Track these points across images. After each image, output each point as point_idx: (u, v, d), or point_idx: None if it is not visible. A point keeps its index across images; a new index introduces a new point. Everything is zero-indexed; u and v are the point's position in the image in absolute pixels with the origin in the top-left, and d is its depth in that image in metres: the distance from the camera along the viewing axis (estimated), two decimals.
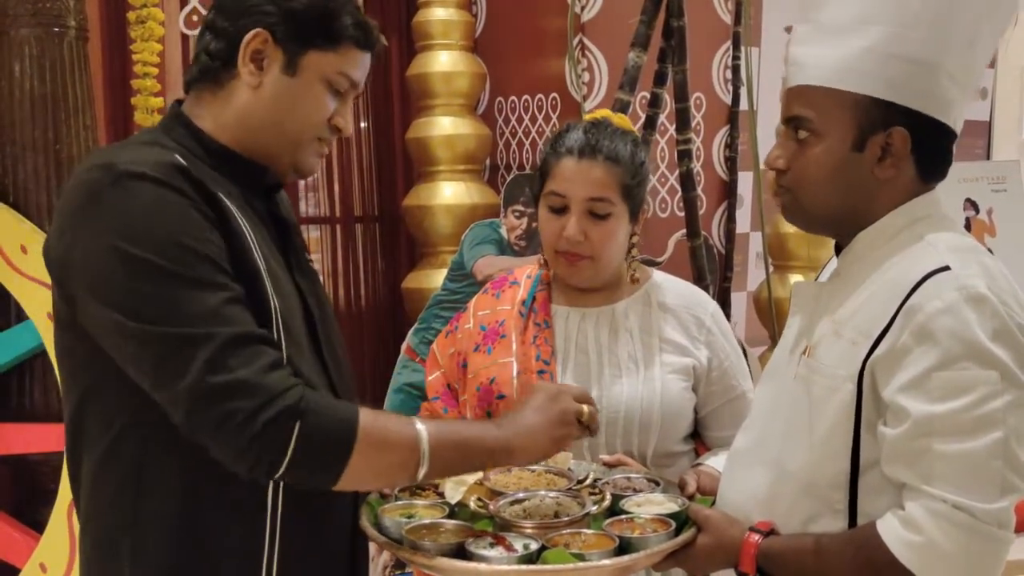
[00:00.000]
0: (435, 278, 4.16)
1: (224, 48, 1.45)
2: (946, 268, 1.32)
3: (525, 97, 4.29)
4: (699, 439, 1.89)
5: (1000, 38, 1.44)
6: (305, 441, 1.26)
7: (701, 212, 3.58)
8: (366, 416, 1.31)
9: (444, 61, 4.35)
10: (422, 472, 1.34)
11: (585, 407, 1.49)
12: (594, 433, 1.53)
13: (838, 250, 1.50)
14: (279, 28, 1.44)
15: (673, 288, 1.90)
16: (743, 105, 3.86)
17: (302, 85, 1.46)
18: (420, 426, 1.35)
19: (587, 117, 1.86)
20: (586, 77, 3.93)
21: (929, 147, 1.40)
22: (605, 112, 1.87)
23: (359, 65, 1.51)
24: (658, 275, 1.92)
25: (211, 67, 1.46)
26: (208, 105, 1.47)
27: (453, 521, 1.51)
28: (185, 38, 3.92)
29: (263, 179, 1.51)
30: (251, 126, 1.46)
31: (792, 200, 1.46)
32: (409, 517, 1.50)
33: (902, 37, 1.35)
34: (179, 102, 1.51)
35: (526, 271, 1.97)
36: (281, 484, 1.40)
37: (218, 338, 1.25)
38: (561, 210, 1.78)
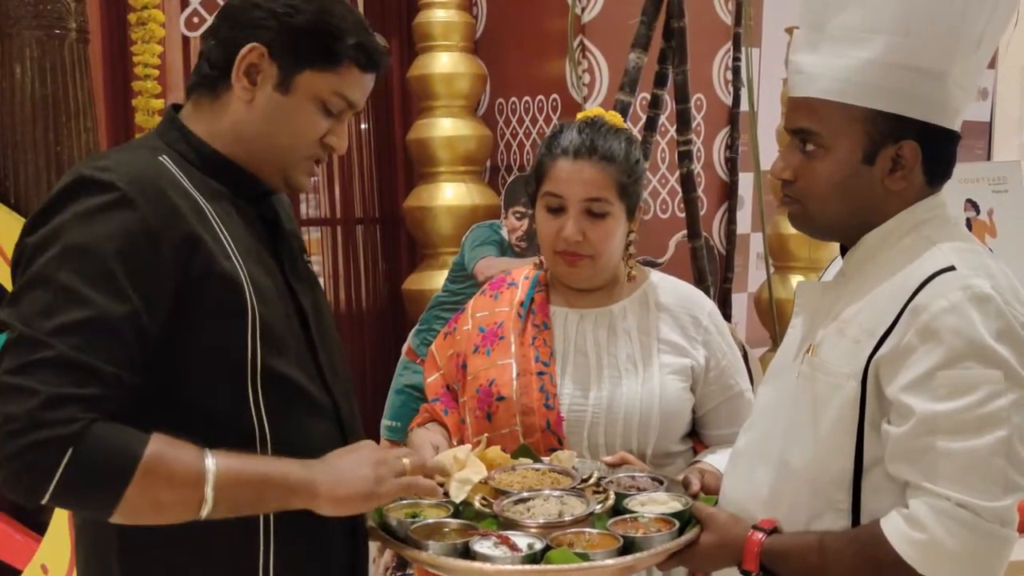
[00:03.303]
0: (436, 279, 4.15)
1: (222, 57, 1.44)
2: (951, 268, 1.32)
3: (526, 98, 4.29)
4: (697, 438, 1.89)
5: (1001, 36, 1.43)
6: (74, 470, 1.22)
7: (702, 213, 3.58)
8: (155, 448, 1.26)
9: (445, 62, 4.34)
10: (205, 511, 1.28)
11: (407, 460, 1.42)
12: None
13: (843, 250, 1.50)
14: (276, 44, 1.42)
15: (670, 288, 1.90)
16: (744, 106, 3.87)
17: (294, 104, 1.44)
18: (209, 463, 1.28)
19: (580, 116, 1.86)
20: (587, 78, 3.93)
21: (938, 155, 1.40)
22: (598, 110, 1.87)
23: (359, 87, 1.48)
24: (655, 275, 1.92)
25: (209, 75, 1.46)
26: (204, 113, 1.47)
27: (457, 520, 1.51)
28: (186, 40, 3.91)
29: (255, 185, 1.50)
30: (243, 138, 1.46)
31: (801, 211, 1.46)
32: (414, 516, 1.50)
33: (909, 47, 1.34)
34: (175, 107, 1.51)
35: (524, 272, 1.97)
36: None
37: (50, 350, 1.23)
38: (558, 210, 1.78)
